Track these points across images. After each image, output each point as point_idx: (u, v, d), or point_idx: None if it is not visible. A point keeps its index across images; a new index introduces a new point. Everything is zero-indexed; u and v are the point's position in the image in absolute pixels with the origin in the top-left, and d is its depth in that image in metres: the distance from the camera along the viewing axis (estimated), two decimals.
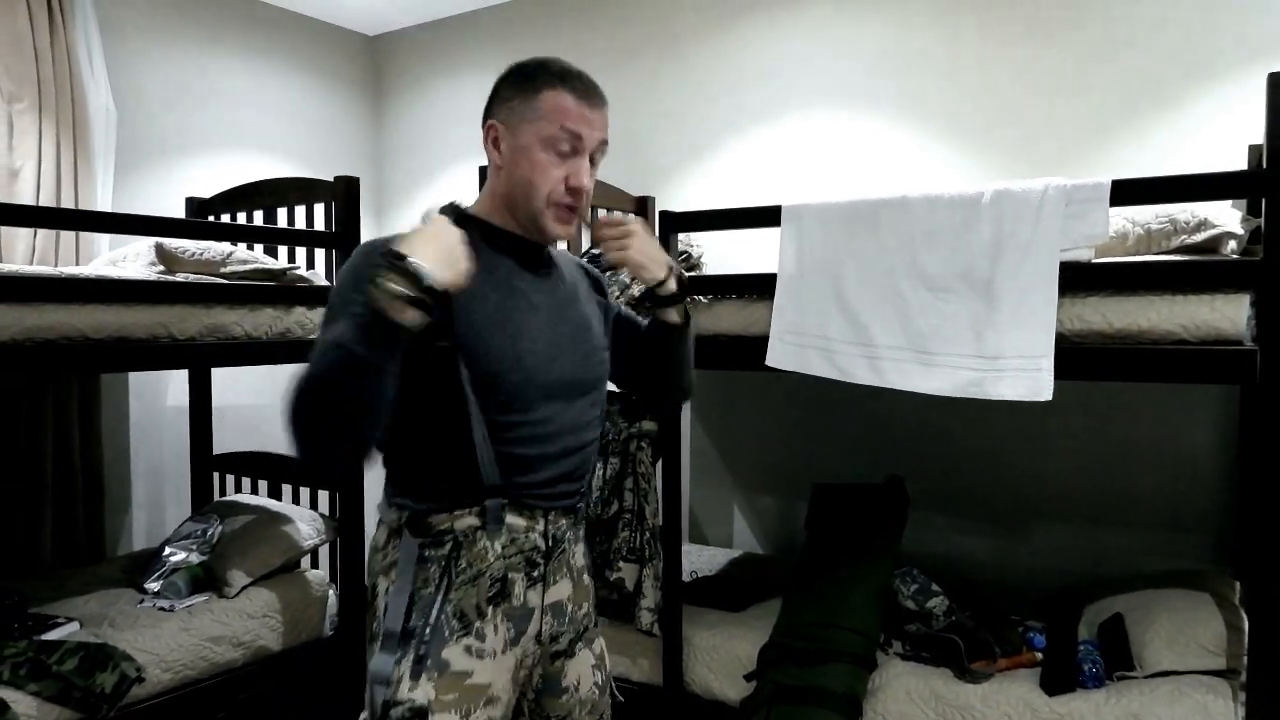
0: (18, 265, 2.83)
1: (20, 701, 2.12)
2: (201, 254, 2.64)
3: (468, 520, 1.28)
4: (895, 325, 2.06)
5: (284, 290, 2.70)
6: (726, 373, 3.41)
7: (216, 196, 3.35)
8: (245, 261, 2.68)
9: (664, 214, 2.46)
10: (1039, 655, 2.25)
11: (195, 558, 2.87)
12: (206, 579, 2.80)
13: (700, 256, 2.96)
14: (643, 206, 3.53)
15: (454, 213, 1.33)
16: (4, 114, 3.00)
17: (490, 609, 1.28)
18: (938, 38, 3.02)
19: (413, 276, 1.10)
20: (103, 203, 3.25)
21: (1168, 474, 2.70)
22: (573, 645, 1.41)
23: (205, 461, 3.46)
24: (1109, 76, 2.75)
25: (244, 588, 2.79)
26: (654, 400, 2.43)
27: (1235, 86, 2.57)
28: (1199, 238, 1.91)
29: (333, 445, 1.14)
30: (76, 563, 3.15)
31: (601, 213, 3.43)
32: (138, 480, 3.52)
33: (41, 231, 3.06)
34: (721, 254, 3.14)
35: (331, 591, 3.03)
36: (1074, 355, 1.91)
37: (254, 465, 3.31)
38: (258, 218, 3.26)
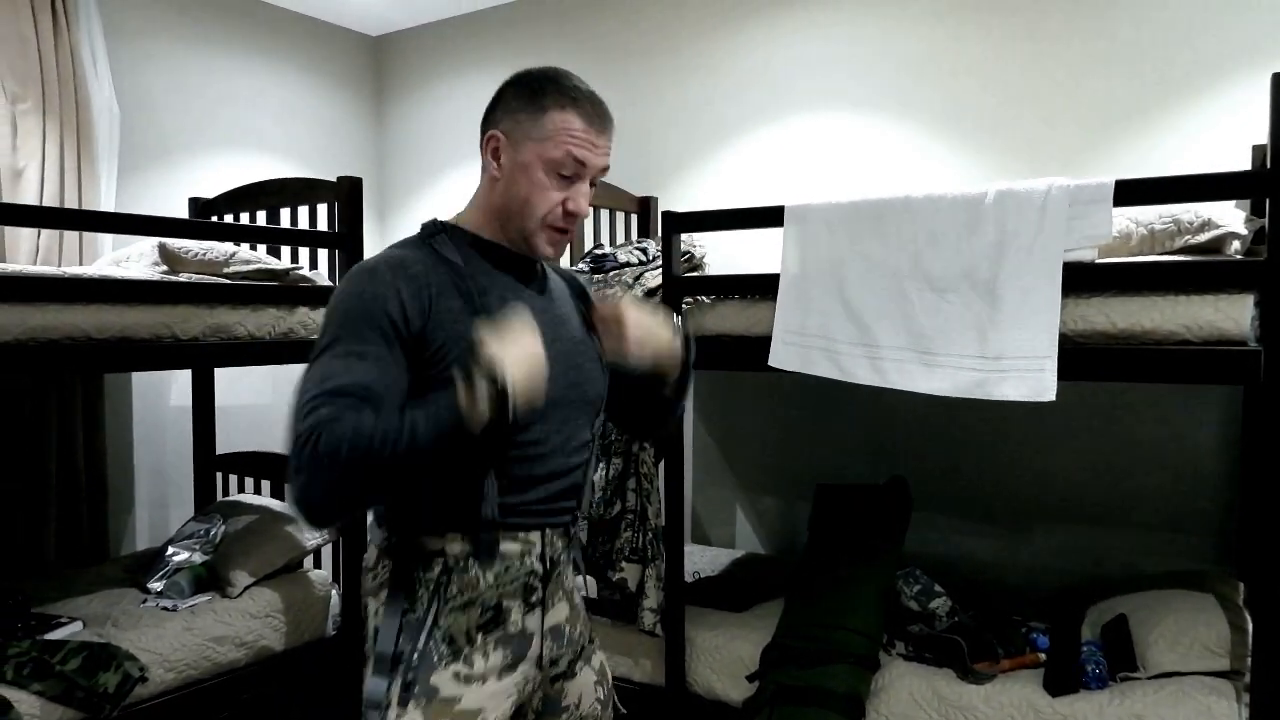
0: (21, 265, 2.84)
1: (23, 701, 2.12)
2: (205, 254, 2.64)
3: (459, 544, 1.26)
4: (898, 325, 2.06)
5: (287, 290, 2.70)
6: (729, 373, 3.41)
7: (220, 197, 3.35)
8: (248, 262, 2.68)
9: (667, 214, 2.46)
10: (1042, 656, 2.24)
11: (198, 558, 2.87)
12: (209, 579, 2.80)
13: (703, 257, 2.96)
14: (645, 207, 3.53)
15: (439, 229, 1.31)
16: (8, 114, 3.01)
17: (481, 636, 1.26)
18: (941, 39, 3.02)
19: (504, 397, 1.08)
20: (106, 203, 3.25)
21: (1171, 474, 2.69)
22: (572, 666, 1.39)
23: (208, 461, 3.46)
24: (1112, 77, 2.75)
25: (247, 588, 2.79)
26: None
27: (1239, 87, 2.57)
28: (1203, 238, 1.91)
29: (344, 509, 1.13)
30: (80, 562, 3.16)
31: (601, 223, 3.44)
32: (141, 480, 3.53)
33: (45, 231, 3.06)
34: (724, 254, 3.14)
35: (334, 591, 3.03)
36: (1077, 356, 1.91)
37: (257, 465, 3.31)
38: (261, 218, 3.27)
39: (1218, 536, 2.64)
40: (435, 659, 1.23)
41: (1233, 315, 1.78)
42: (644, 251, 2.86)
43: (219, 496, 3.44)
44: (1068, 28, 2.81)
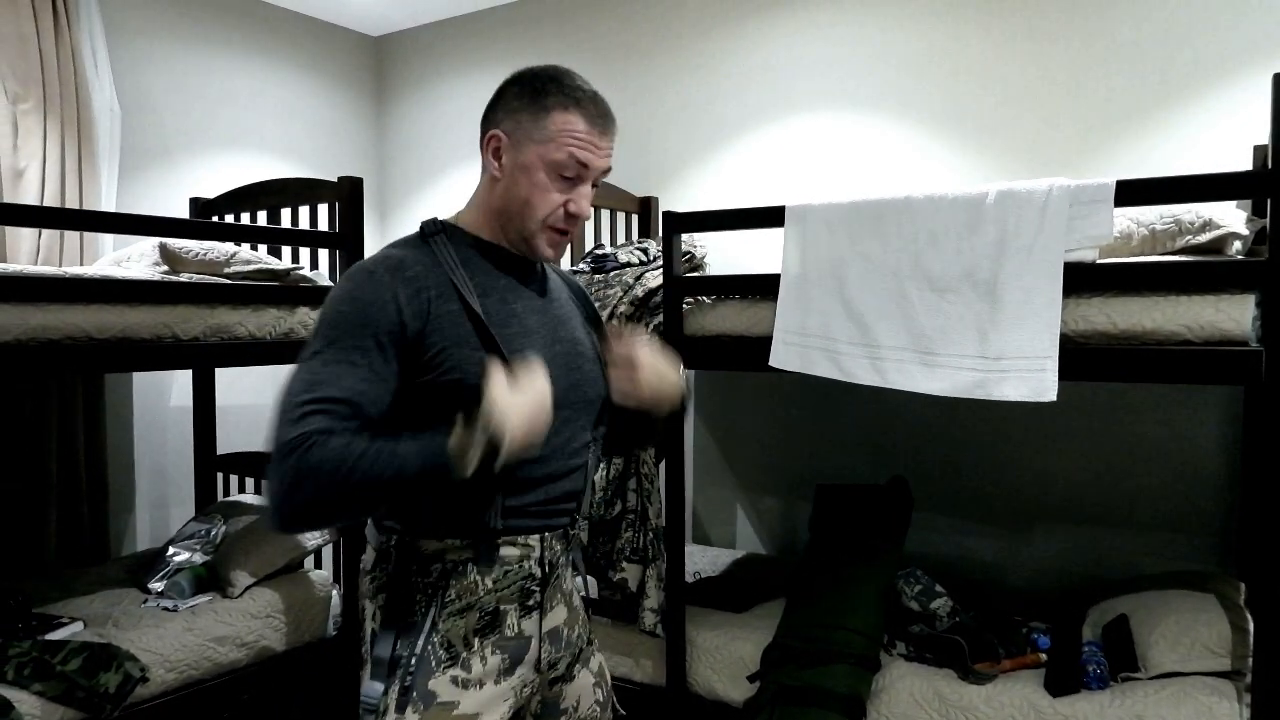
0: (22, 265, 2.84)
1: (24, 701, 2.12)
2: (205, 254, 2.64)
3: (458, 549, 1.25)
4: (899, 326, 2.06)
5: (288, 291, 2.70)
6: (730, 373, 3.41)
7: (220, 197, 3.35)
8: (249, 262, 2.68)
9: (667, 214, 2.46)
10: (1043, 656, 2.24)
11: (199, 558, 2.87)
12: (210, 579, 2.81)
13: (704, 257, 2.96)
14: (646, 206, 3.53)
15: (438, 229, 1.30)
16: (9, 114, 3.01)
17: (478, 640, 1.25)
18: (942, 38, 3.02)
19: (496, 454, 1.08)
20: (107, 203, 3.26)
21: (1172, 475, 2.69)
22: (570, 669, 1.38)
23: (209, 462, 3.46)
24: (1113, 77, 2.75)
25: (247, 588, 2.79)
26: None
27: (1240, 87, 2.56)
28: (1204, 238, 1.91)
29: (316, 524, 1.15)
30: (80, 563, 3.16)
31: (602, 232, 3.44)
32: (141, 480, 3.53)
33: (46, 231, 3.06)
34: (725, 254, 3.14)
35: (335, 592, 3.03)
36: (1078, 356, 1.91)
37: (257, 465, 3.31)
38: (261, 218, 3.27)
39: (1219, 537, 2.64)
40: (433, 664, 1.22)
41: (1234, 315, 1.78)
42: (645, 251, 2.86)
43: (219, 497, 3.44)
44: (1068, 28, 2.81)
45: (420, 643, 1.23)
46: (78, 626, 2.48)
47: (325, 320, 1.18)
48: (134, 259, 2.77)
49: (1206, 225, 1.91)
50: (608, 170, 1.32)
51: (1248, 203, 2.38)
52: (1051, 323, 1.87)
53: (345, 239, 2.89)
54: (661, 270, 2.53)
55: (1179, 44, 2.65)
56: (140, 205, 3.48)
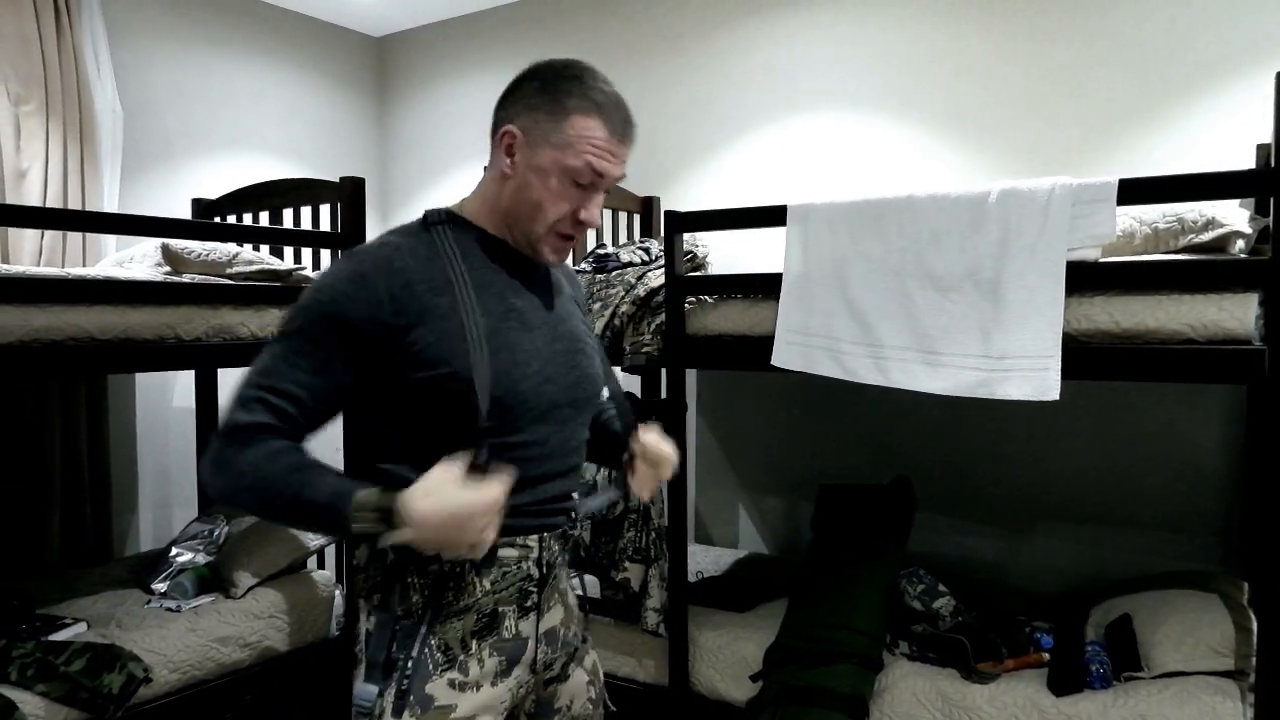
0: (25, 266, 2.85)
1: (28, 702, 2.12)
2: (207, 255, 2.64)
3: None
4: (901, 325, 2.06)
5: (289, 291, 2.70)
6: (732, 373, 3.41)
7: (222, 197, 3.36)
8: (251, 262, 2.68)
9: (669, 214, 2.45)
10: (1046, 656, 2.24)
11: (202, 558, 2.88)
12: (213, 580, 2.81)
13: (705, 256, 2.96)
14: (648, 206, 3.53)
15: (443, 219, 1.27)
16: (11, 116, 3.01)
17: (475, 642, 1.24)
18: (943, 38, 3.01)
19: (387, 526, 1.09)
20: (109, 204, 3.26)
21: (1175, 474, 2.69)
22: (565, 668, 1.37)
23: None
24: (1116, 76, 2.74)
25: (250, 588, 2.79)
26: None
27: (1242, 86, 2.56)
28: (1206, 237, 1.90)
29: (236, 507, 1.22)
30: (83, 563, 3.16)
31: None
32: (144, 481, 3.53)
33: (48, 233, 3.07)
34: (727, 254, 3.14)
35: (337, 592, 3.03)
36: (1081, 355, 1.91)
37: None
38: (263, 218, 3.27)
39: (1221, 536, 2.63)
40: (430, 667, 1.21)
41: (1237, 314, 1.78)
42: (646, 251, 2.86)
43: None
44: (1069, 27, 2.81)
45: (417, 645, 1.21)
46: (81, 627, 2.48)
47: (304, 304, 1.18)
48: (136, 260, 2.77)
49: (1209, 224, 1.90)
50: (622, 177, 1.30)
51: (1251, 201, 2.37)
52: (1054, 322, 1.87)
53: (347, 239, 2.89)
54: (663, 270, 2.53)
55: (1181, 43, 2.65)
56: (142, 206, 3.48)
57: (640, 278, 2.64)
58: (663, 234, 2.51)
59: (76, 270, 2.78)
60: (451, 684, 1.22)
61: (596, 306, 2.63)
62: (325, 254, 3.06)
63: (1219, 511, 2.64)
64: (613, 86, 1.26)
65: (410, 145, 4.38)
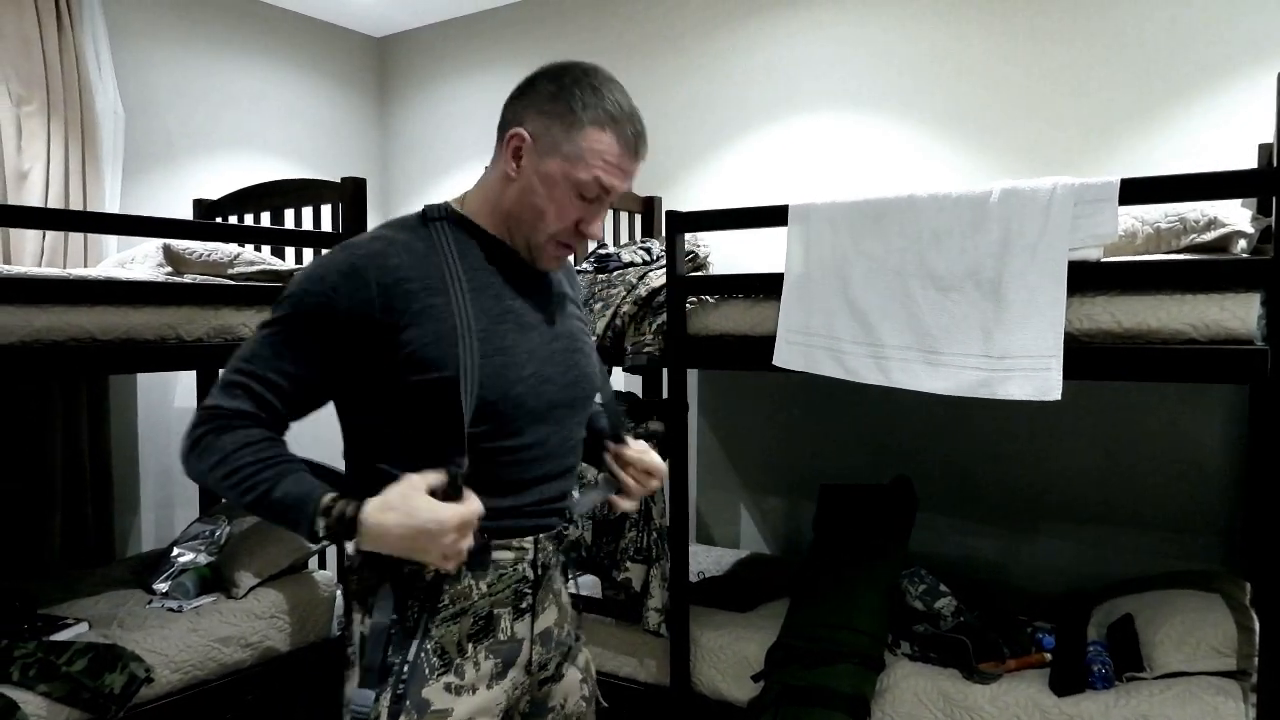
0: (26, 267, 2.85)
1: (30, 702, 2.12)
2: (209, 255, 2.65)
3: None
4: (903, 325, 2.06)
5: None
6: (733, 373, 3.41)
7: (224, 198, 3.36)
8: (252, 263, 2.68)
9: (671, 214, 2.45)
10: (1048, 656, 2.24)
11: (203, 559, 2.88)
12: (214, 580, 2.81)
13: (707, 256, 2.96)
14: (649, 206, 3.53)
15: (443, 214, 1.25)
16: (13, 116, 3.02)
17: (471, 646, 1.23)
18: (945, 37, 3.01)
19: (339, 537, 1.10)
20: (111, 204, 3.26)
21: (1177, 474, 2.69)
22: (559, 668, 1.36)
23: None
24: (1117, 75, 2.74)
25: (251, 588, 2.79)
26: None
27: (1244, 85, 2.56)
28: (1208, 237, 1.90)
29: (208, 487, 1.21)
30: (85, 564, 3.16)
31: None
32: (146, 481, 3.53)
33: (50, 233, 3.07)
34: (728, 253, 3.14)
35: (339, 592, 3.03)
36: (1083, 355, 1.91)
37: None
38: (265, 219, 3.27)
39: (1224, 536, 2.63)
40: (426, 671, 1.20)
41: (1239, 314, 1.77)
42: (648, 251, 2.86)
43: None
44: (1070, 27, 2.80)
45: (413, 649, 1.20)
46: (83, 627, 2.48)
47: (293, 293, 1.17)
48: (138, 260, 2.78)
49: (1211, 224, 1.90)
50: (628, 190, 1.28)
51: (1253, 201, 2.37)
52: (1056, 321, 1.87)
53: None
54: (665, 270, 2.53)
55: (1181, 43, 2.64)
56: (144, 207, 3.48)
57: (642, 278, 2.64)
58: (664, 234, 2.51)
59: (78, 271, 2.78)
60: (448, 688, 1.21)
61: (598, 306, 2.63)
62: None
63: (1221, 511, 2.64)
64: (629, 98, 1.23)
65: (411, 145, 4.38)
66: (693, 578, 2.81)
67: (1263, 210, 2.22)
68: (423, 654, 1.20)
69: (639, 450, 1.38)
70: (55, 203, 3.07)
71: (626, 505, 1.38)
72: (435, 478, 1.13)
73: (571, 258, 1.43)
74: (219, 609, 2.69)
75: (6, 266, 2.45)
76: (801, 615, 2.41)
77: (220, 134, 3.79)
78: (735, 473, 3.50)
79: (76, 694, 2.19)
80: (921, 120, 3.07)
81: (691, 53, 3.53)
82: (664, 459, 2.60)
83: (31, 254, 3.06)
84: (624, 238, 3.49)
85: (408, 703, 1.18)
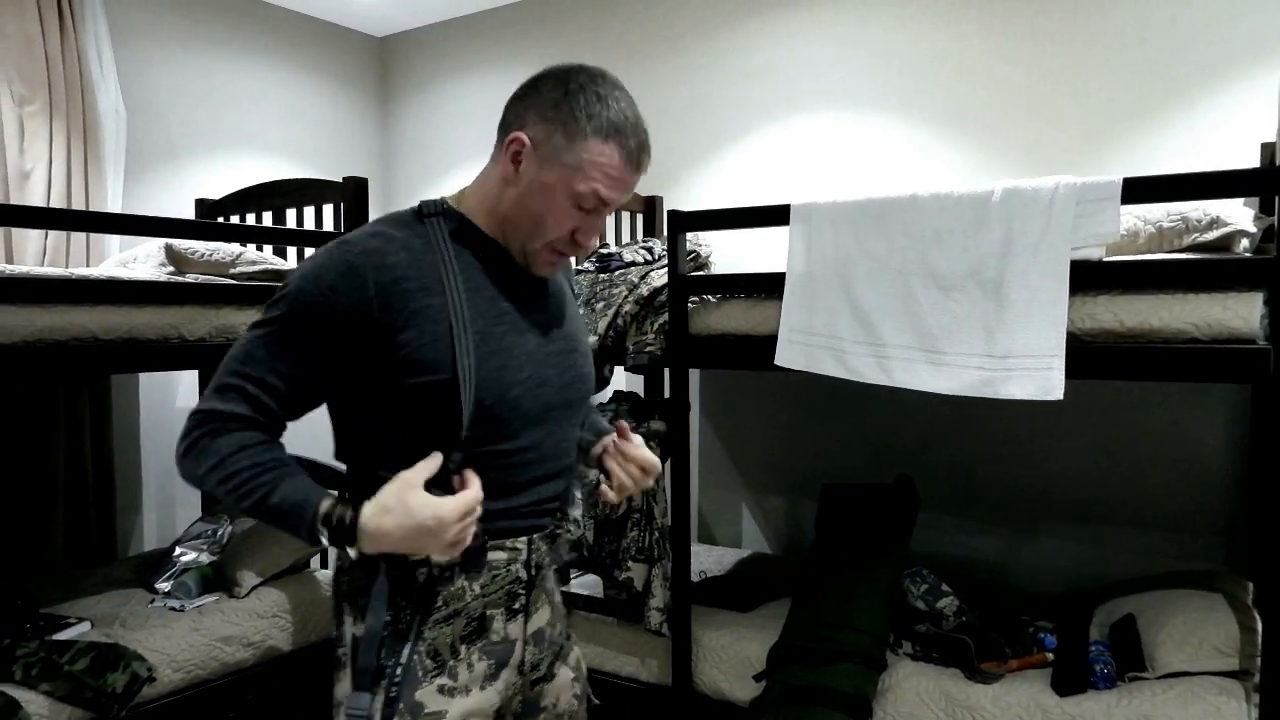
0: (29, 267, 2.85)
1: (32, 701, 2.13)
2: (211, 255, 2.65)
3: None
4: (905, 324, 2.05)
5: None
6: (735, 372, 3.41)
7: (226, 197, 3.36)
8: (254, 262, 2.69)
9: (672, 213, 2.45)
10: (1050, 656, 2.24)
11: (205, 558, 2.88)
12: (216, 579, 2.81)
13: (708, 256, 2.96)
14: (651, 206, 3.53)
15: (438, 211, 1.23)
16: (15, 116, 3.02)
17: (465, 647, 1.22)
18: (944, 38, 3.01)
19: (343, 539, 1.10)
20: (113, 204, 3.27)
21: (1179, 474, 2.68)
22: (551, 668, 1.36)
23: None
24: (1120, 74, 2.74)
25: (254, 588, 2.80)
26: None
27: (1246, 84, 2.55)
28: (1211, 236, 1.90)
29: (202, 489, 1.20)
30: (87, 563, 3.17)
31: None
32: (148, 481, 3.54)
33: (52, 233, 3.07)
34: (730, 253, 3.14)
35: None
36: (1085, 354, 1.90)
37: None
38: (267, 219, 3.28)
39: (1226, 536, 2.63)
40: (420, 674, 1.19)
41: (1242, 313, 1.77)
42: (650, 250, 2.86)
43: None
44: (1071, 27, 2.80)
45: (406, 652, 1.19)
46: (85, 627, 2.48)
47: (288, 293, 1.15)
48: (140, 260, 2.78)
49: (1214, 223, 1.90)
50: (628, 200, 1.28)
51: (1255, 200, 2.37)
52: (1058, 321, 1.87)
53: None
54: (666, 269, 2.53)
55: (1184, 42, 2.64)
56: (146, 206, 3.49)
57: (643, 277, 2.64)
58: (666, 233, 2.51)
59: (80, 270, 2.78)
60: (441, 690, 1.20)
61: (600, 306, 2.63)
62: None
63: (1223, 511, 2.63)
64: (635, 106, 1.21)
65: (413, 145, 4.38)
66: (694, 577, 2.81)
67: (1265, 209, 2.21)
68: (416, 656, 1.19)
69: (636, 444, 1.37)
70: (57, 202, 3.08)
71: (612, 497, 1.36)
72: (428, 468, 1.12)
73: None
74: (221, 608, 2.69)
75: (9, 266, 2.45)
76: (803, 615, 2.40)
77: (222, 133, 3.80)
78: (737, 472, 3.50)
79: (79, 693, 2.20)
80: (922, 120, 3.06)
81: (692, 53, 3.53)
82: (666, 459, 2.62)
83: (34, 254, 3.06)
84: (626, 237, 3.49)
85: (401, 705, 1.18)
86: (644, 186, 3.49)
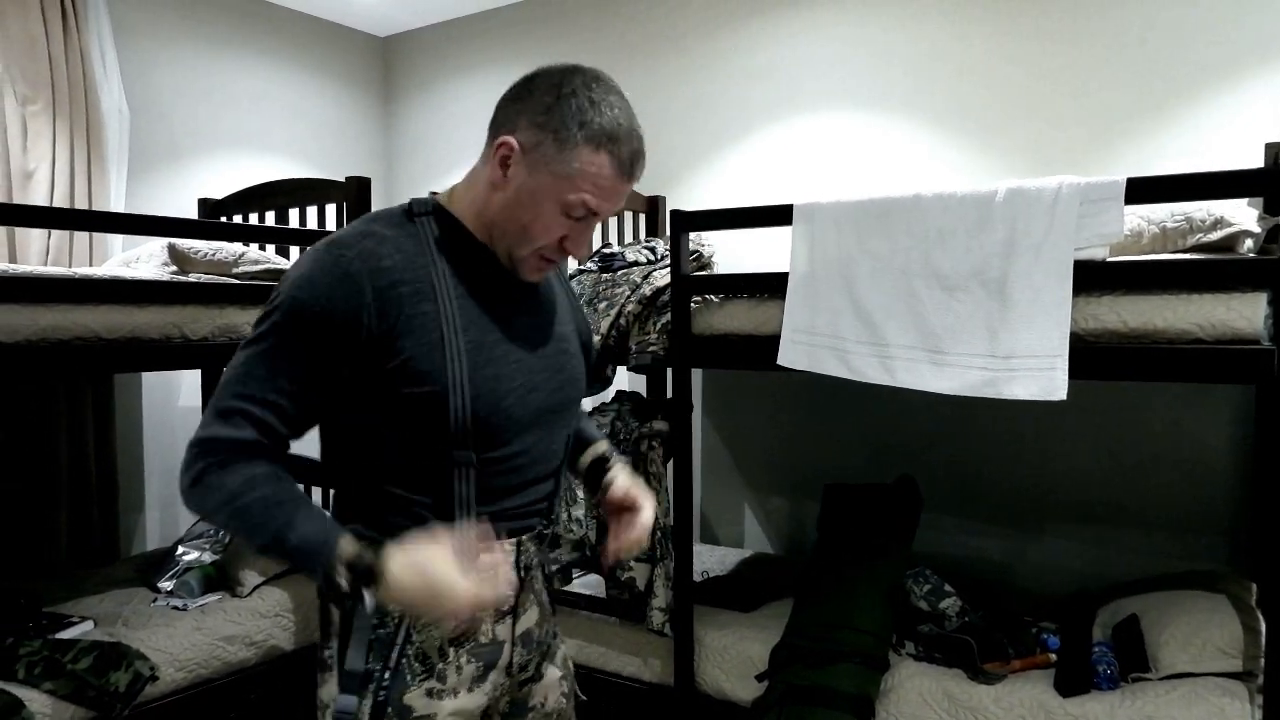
0: (32, 266, 2.86)
1: (35, 700, 2.13)
2: (214, 254, 2.65)
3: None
4: (908, 324, 2.05)
5: None
6: (737, 372, 3.40)
7: (229, 197, 3.37)
8: (257, 262, 2.69)
9: (675, 213, 2.45)
10: (1053, 656, 2.23)
11: (208, 557, 2.88)
12: (219, 578, 2.81)
13: (711, 256, 2.96)
14: (653, 205, 3.53)
15: (428, 210, 1.21)
16: (18, 116, 3.02)
17: (453, 650, 1.21)
18: (948, 36, 3.01)
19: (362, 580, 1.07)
20: (116, 204, 3.27)
21: (1183, 474, 2.68)
22: (539, 668, 1.35)
23: None
24: (1123, 74, 2.73)
25: (256, 587, 2.80)
26: None
27: (1251, 84, 2.55)
28: (1215, 236, 1.89)
29: (207, 519, 1.17)
30: (91, 563, 3.17)
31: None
32: (151, 480, 3.54)
33: (55, 232, 3.07)
34: (732, 253, 3.14)
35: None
36: (1089, 355, 1.90)
37: None
38: (269, 218, 3.28)
39: (1229, 536, 2.62)
40: (408, 677, 1.18)
41: (1246, 314, 1.77)
42: (652, 250, 2.86)
43: None
44: (1073, 27, 2.80)
45: (394, 656, 1.18)
46: (88, 626, 2.49)
47: (281, 303, 1.11)
48: (143, 259, 2.78)
49: (1218, 223, 1.90)
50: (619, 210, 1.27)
51: (1259, 200, 2.36)
52: (1061, 321, 1.86)
53: None
54: (669, 269, 2.53)
55: (1187, 42, 2.64)
56: (149, 206, 3.49)
57: (646, 277, 2.64)
58: (668, 233, 2.51)
59: (83, 270, 2.79)
60: (430, 693, 1.20)
61: (602, 306, 2.63)
62: None
63: (1226, 512, 2.63)
64: (631, 112, 1.17)
65: (415, 145, 4.39)
66: (697, 577, 2.81)
67: (1269, 209, 2.21)
68: (405, 660, 1.18)
69: (640, 520, 1.34)
70: (60, 202, 3.08)
71: (610, 559, 1.36)
72: (464, 542, 1.10)
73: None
74: (223, 607, 2.69)
75: (12, 265, 2.45)
76: (806, 615, 2.40)
77: (225, 133, 3.80)
78: (739, 472, 3.50)
79: (82, 692, 2.20)
80: (925, 120, 3.06)
81: (694, 53, 3.53)
82: (668, 459, 2.62)
83: (37, 253, 3.06)
84: (628, 237, 3.49)
85: (389, 709, 1.17)
86: (646, 186, 3.50)
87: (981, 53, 2.95)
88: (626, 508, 1.35)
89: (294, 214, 3.22)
